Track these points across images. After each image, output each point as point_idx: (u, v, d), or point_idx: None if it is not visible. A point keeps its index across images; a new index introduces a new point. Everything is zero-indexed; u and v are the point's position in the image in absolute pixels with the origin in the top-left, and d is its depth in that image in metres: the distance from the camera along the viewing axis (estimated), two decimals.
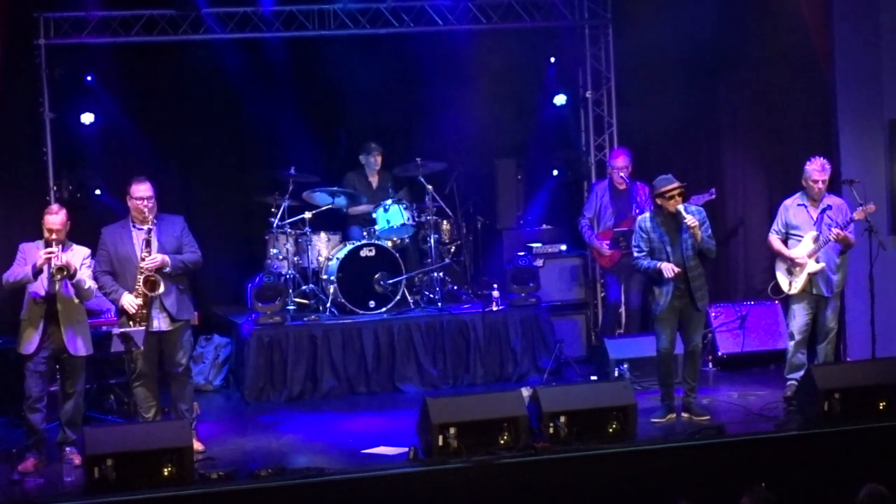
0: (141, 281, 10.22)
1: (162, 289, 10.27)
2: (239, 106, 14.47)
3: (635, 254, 11.01)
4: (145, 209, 10.35)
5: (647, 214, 11.03)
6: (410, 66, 14.91)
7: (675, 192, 10.78)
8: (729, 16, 13.70)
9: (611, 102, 14.93)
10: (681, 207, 10.75)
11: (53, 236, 10.08)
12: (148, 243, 10.29)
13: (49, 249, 10.01)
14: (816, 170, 11.23)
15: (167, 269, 10.32)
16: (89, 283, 10.23)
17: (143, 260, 10.25)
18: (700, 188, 12.94)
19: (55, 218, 10.15)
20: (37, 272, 10.01)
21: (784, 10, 13.14)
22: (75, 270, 10.07)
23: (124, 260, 10.38)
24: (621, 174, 12.96)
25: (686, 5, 13.59)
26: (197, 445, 10.11)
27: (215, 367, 13.32)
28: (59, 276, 10.00)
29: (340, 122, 14.91)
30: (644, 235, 10.91)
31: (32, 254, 10.14)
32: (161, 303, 10.34)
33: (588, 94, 14.98)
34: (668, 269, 10.71)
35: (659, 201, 10.88)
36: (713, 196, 12.90)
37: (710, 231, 10.99)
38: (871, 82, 12.74)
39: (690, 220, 10.73)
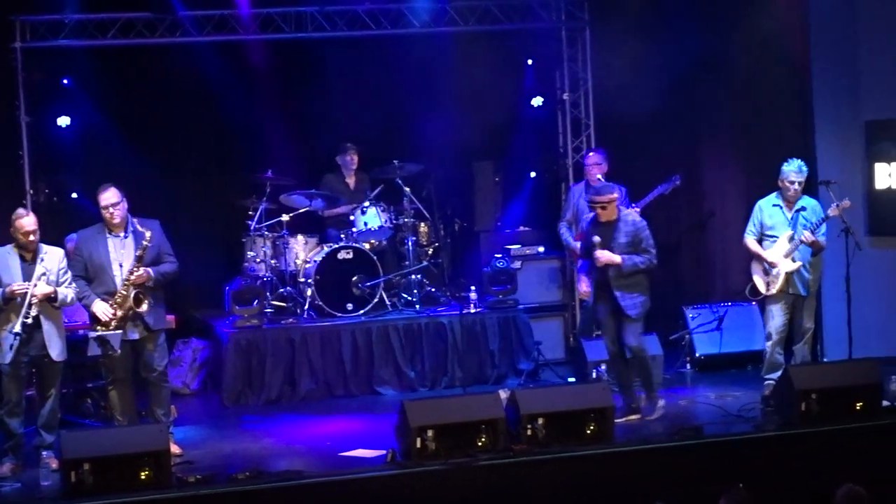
0: (132, 298, 10.17)
1: (147, 306, 10.24)
2: (216, 109, 14.38)
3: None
4: (112, 216, 10.30)
5: (591, 215, 11.09)
6: (388, 68, 14.90)
7: (597, 206, 10.87)
8: (707, 18, 13.77)
9: (588, 104, 14.92)
10: (596, 240, 10.80)
11: (31, 238, 10.02)
12: (140, 259, 10.23)
13: (21, 286, 9.91)
14: (793, 171, 11.25)
15: (150, 283, 10.29)
16: (70, 295, 10.18)
17: (131, 274, 10.20)
18: (679, 189, 12.98)
19: (30, 220, 10.09)
20: (7, 299, 9.93)
21: (762, 12, 13.19)
22: (55, 293, 10.02)
23: (98, 268, 10.33)
24: (597, 175, 12.93)
25: (664, 8, 13.63)
26: (174, 449, 10.08)
27: (193, 371, 13.27)
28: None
29: (318, 124, 14.85)
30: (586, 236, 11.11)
31: (3, 260, 10.06)
32: (141, 315, 10.31)
33: (565, 96, 14.96)
34: (583, 288, 11.14)
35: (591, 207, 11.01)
36: (678, 183, 12.94)
37: (650, 242, 10.95)
38: (848, 84, 12.82)
39: (600, 259, 10.77)
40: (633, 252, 10.82)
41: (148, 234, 10.25)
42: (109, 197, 10.31)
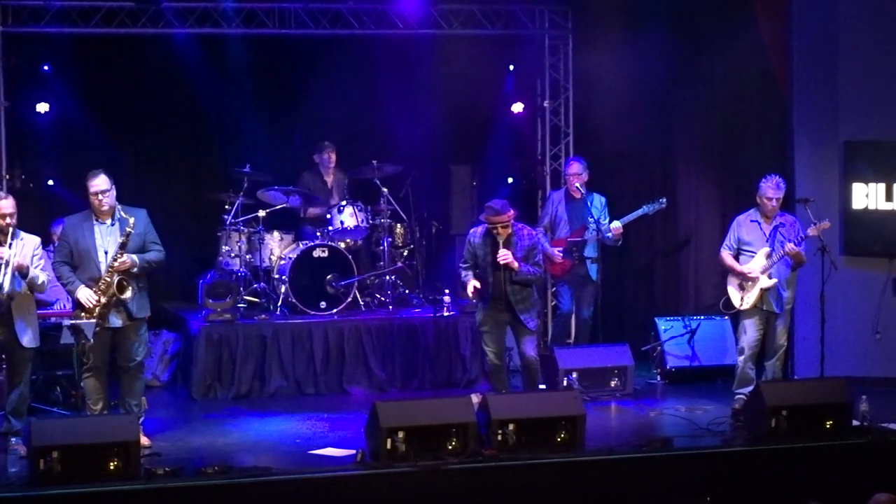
0: (115, 285, 10.11)
1: (131, 293, 10.18)
2: (196, 102, 14.36)
3: (460, 264, 11.34)
4: (101, 203, 10.25)
5: (479, 229, 11.21)
6: (370, 68, 14.93)
7: (498, 225, 10.97)
8: (688, 34, 13.81)
9: (568, 112, 14.94)
10: (500, 239, 10.93)
11: (7, 221, 9.97)
12: (123, 245, 10.16)
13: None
14: (771, 188, 11.26)
15: (134, 269, 10.23)
16: (42, 278, 10.13)
17: (115, 261, 10.14)
18: (652, 198, 13.02)
19: (7, 202, 10.04)
20: None
21: (743, 30, 13.24)
22: (27, 268, 9.98)
23: (84, 254, 10.25)
24: (576, 183, 12.94)
25: (646, 22, 13.66)
26: (143, 441, 10.02)
27: (163, 363, 13.25)
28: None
29: (298, 121, 14.85)
30: (471, 249, 11.21)
31: None
32: (124, 302, 10.26)
33: (545, 104, 14.96)
34: (469, 288, 11.08)
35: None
36: (664, 205, 12.99)
37: (540, 257, 11.28)
38: (827, 104, 12.84)
39: (502, 257, 10.91)
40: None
41: (131, 220, 10.20)
42: (100, 183, 10.25)
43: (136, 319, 10.37)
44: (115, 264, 10.14)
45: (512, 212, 11.10)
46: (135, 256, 10.23)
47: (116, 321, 10.27)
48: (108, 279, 10.14)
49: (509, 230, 11.02)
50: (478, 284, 11.06)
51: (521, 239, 11.10)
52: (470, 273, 11.13)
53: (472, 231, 11.29)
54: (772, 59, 13.05)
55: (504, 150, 15.41)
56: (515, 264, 10.94)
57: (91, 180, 10.28)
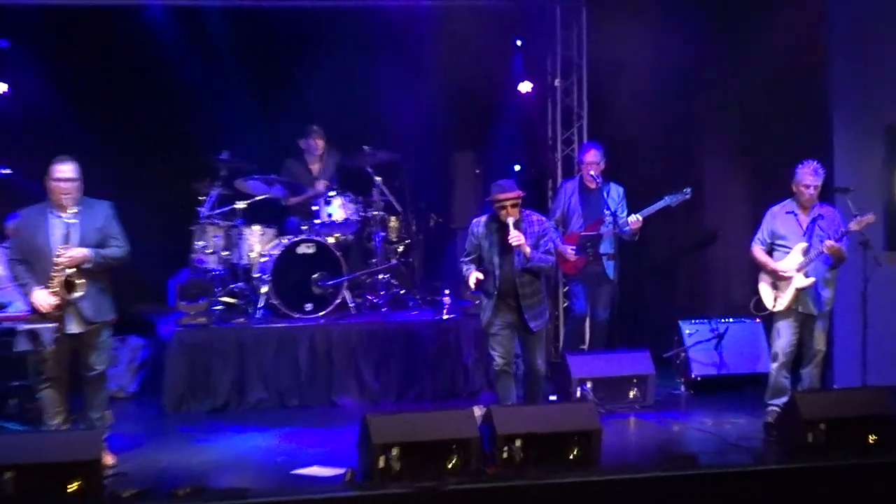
0: (57, 281, 9.99)
1: (82, 292, 10.03)
2: (171, 81, 14.30)
3: (461, 258, 11.22)
4: (63, 193, 10.09)
5: (483, 218, 11.15)
6: (362, 45, 14.85)
7: (507, 203, 10.86)
8: (717, 8, 13.72)
9: (581, 93, 14.91)
10: (510, 221, 10.82)
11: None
12: (67, 237, 10.04)
13: None
14: (808, 174, 11.18)
15: (88, 265, 10.10)
16: None
17: (59, 256, 10.01)
18: (676, 188, 12.93)
19: (68, 167, 10.03)
20: None
21: (777, 6, 13.21)
22: None
23: (37, 251, 10.11)
24: (591, 172, 12.87)
25: None
26: (108, 459, 9.97)
27: (130, 373, 13.21)
28: None
29: (283, 103, 14.76)
30: (474, 241, 11.10)
31: None
32: (75, 303, 10.12)
33: (556, 83, 14.94)
34: (472, 280, 10.94)
35: (494, 207, 10.96)
36: (688, 196, 12.89)
37: (550, 245, 11.13)
38: (868, 85, 12.82)
39: (515, 237, 10.79)
40: None
41: (74, 210, 10.06)
42: (67, 171, 10.11)
43: (94, 324, 10.24)
44: (61, 259, 9.98)
45: (520, 191, 11.01)
46: (87, 250, 10.08)
47: (73, 326, 10.15)
48: (55, 275, 9.97)
49: (517, 214, 10.92)
50: (480, 276, 10.96)
51: (531, 225, 11.03)
52: (472, 266, 11.04)
53: (474, 221, 11.22)
54: (807, 38, 13.00)
55: (510, 135, 15.39)
56: (528, 249, 10.84)
57: (57, 165, 10.13)
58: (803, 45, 13.09)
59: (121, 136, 14.57)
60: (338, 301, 13.29)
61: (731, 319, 13.40)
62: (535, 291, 11.09)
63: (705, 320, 13.49)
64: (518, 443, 9.88)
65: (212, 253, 13.44)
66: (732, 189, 14.22)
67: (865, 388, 11.21)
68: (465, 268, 11.09)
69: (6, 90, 14.01)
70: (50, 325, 9.96)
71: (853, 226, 11.15)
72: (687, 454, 10.41)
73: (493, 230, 11.01)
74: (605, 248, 12.92)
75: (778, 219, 11.35)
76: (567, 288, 14.17)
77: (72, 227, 10.09)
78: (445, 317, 13.25)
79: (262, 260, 13.37)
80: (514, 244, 10.78)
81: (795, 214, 11.28)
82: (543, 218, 11.31)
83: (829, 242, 11.03)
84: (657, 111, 14.28)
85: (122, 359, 13.11)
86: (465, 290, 13.25)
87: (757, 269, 11.52)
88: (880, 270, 11.50)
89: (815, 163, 11.25)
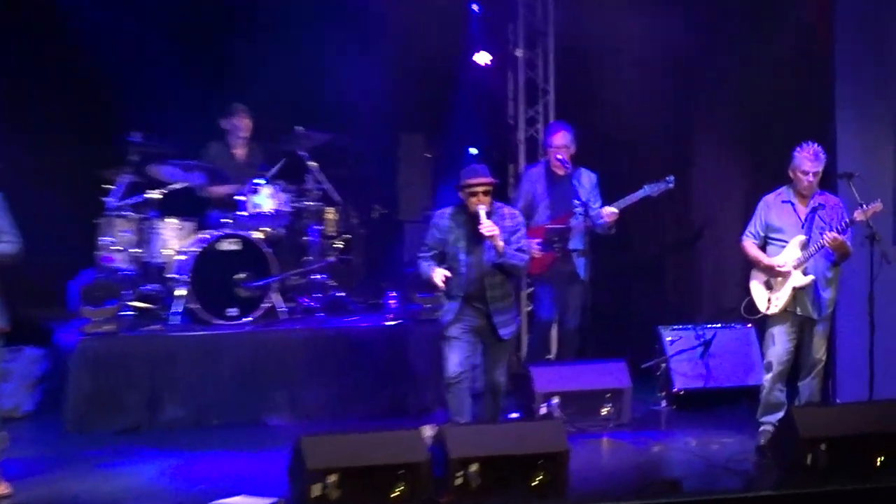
0: None
1: None
2: (74, 51, 14.23)
3: (419, 253, 11.28)
4: None
5: (448, 209, 11.22)
6: (297, 12, 14.86)
7: (479, 189, 10.92)
8: None
9: (548, 65, 14.97)
10: (482, 210, 10.88)
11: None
12: None
13: None
14: (808, 158, 11.24)
15: None
16: None
17: None
18: (657, 176, 12.97)
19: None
20: None
21: None
22: None
23: None
24: (559, 156, 12.91)
25: None
26: (1, 488, 10.01)
27: (26, 388, 13.16)
28: None
29: (205, 78, 14.74)
30: (437, 234, 11.17)
31: None
32: None
33: (519, 53, 14.98)
34: (438, 277, 10.94)
35: (462, 195, 11.03)
36: (671, 185, 12.94)
37: (524, 243, 11.22)
38: (876, 60, 12.88)
39: (488, 227, 10.86)
40: None
41: None
42: None
43: None
44: None
45: (494, 178, 11.08)
46: None
47: None
48: None
49: (490, 201, 10.97)
50: (448, 273, 10.98)
51: (503, 219, 11.07)
52: (433, 263, 11.05)
53: (437, 213, 11.25)
54: (812, 16, 13.10)
55: (466, 114, 15.37)
56: (501, 242, 10.88)
57: None
58: (808, 23, 13.19)
59: (13, 115, 14.42)
60: (266, 305, 13.31)
61: (718, 325, 13.50)
62: (507, 294, 11.16)
63: (690, 326, 13.58)
64: (474, 467, 9.90)
65: (120, 250, 13.40)
66: (724, 177, 14.31)
67: (872, 403, 11.26)
68: (425, 264, 11.11)
69: None
70: None
71: (858, 216, 11.19)
72: (668, 479, 10.49)
73: (460, 222, 11.06)
74: (576, 243, 12.98)
75: (773, 208, 11.42)
76: (531, 289, 14.21)
77: None
78: (391, 322, 13.32)
79: (179, 258, 13.36)
80: (486, 234, 10.83)
81: (793, 204, 11.35)
82: (516, 212, 11.41)
83: (830, 235, 11.08)
84: (638, 88, 14.34)
85: (17, 373, 13.03)
86: (416, 296, 13.30)
87: (748, 266, 11.58)
88: (889, 268, 11.47)
89: (814, 145, 11.28)
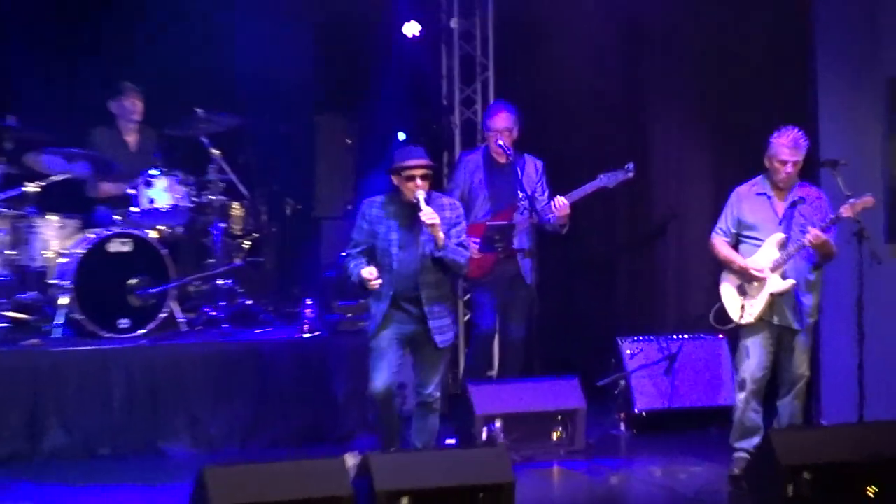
0: None
1: None
2: None
3: (345, 251, 11.28)
4: None
5: (379, 198, 11.21)
6: None
7: (416, 172, 10.96)
8: None
9: (486, 37, 15.02)
10: (421, 195, 10.90)
11: None
12: None
13: None
14: (786, 146, 11.25)
15: None
16: None
17: None
18: (614, 164, 13.01)
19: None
20: None
21: None
22: None
23: None
24: (501, 141, 12.92)
25: None
26: None
27: None
28: None
29: (91, 55, 14.71)
30: (365, 227, 11.16)
31: None
32: None
33: (453, 24, 15.00)
34: (368, 273, 10.91)
35: (396, 181, 11.06)
36: (630, 174, 12.99)
37: (465, 238, 11.25)
38: (862, 31, 12.94)
39: (428, 214, 10.87)
40: None
41: None
42: None
43: None
44: None
45: (432, 161, 11.13)
46: None
47: None
48: None
49: (427, 187, 10.99)
50: (374, 271, 10.97)
51: (441, 209, 11.04)
52: (363, 260, 11.02)
53: (366, 201, 11.23)
54: None
55: (392, 93, 15.42)
56: (441, 233, 10.89)
57: None
58: None
59: None
60: (163, 315, 13.29)
61: (685, 335, 13.57)
62: (444, 296, 11.17)
63: (652, 337, 13.65)
64: (404, 501, 9.90)
65: None
66: (689, 165, 14.37)
67: (862, 425, 11.28)
68: (352, 263, 11.07)
69: None
70: None
71: (846, 212, 11.20)
72: None
73: (392, 212, 11.04)
74: (521, 242, 13.01)
75: (745, 202, 11.44)
76: (468, 296, 14.21)
77: None
78: (307, 335, 13.32)
79: (62, 261, 13.31)
80: (427, 222, 10.81)
81: (769, 197, 11.38)
82: (456, 202, 11.41)
83: (812, 233, 11.10)
84: (591, 63, 14.40)
85: None
86: (336, 304, 13.31)
87: (718, 268, 11.63)
88: (880, 269, 11.51)
89: (795, 131, 11.25)
